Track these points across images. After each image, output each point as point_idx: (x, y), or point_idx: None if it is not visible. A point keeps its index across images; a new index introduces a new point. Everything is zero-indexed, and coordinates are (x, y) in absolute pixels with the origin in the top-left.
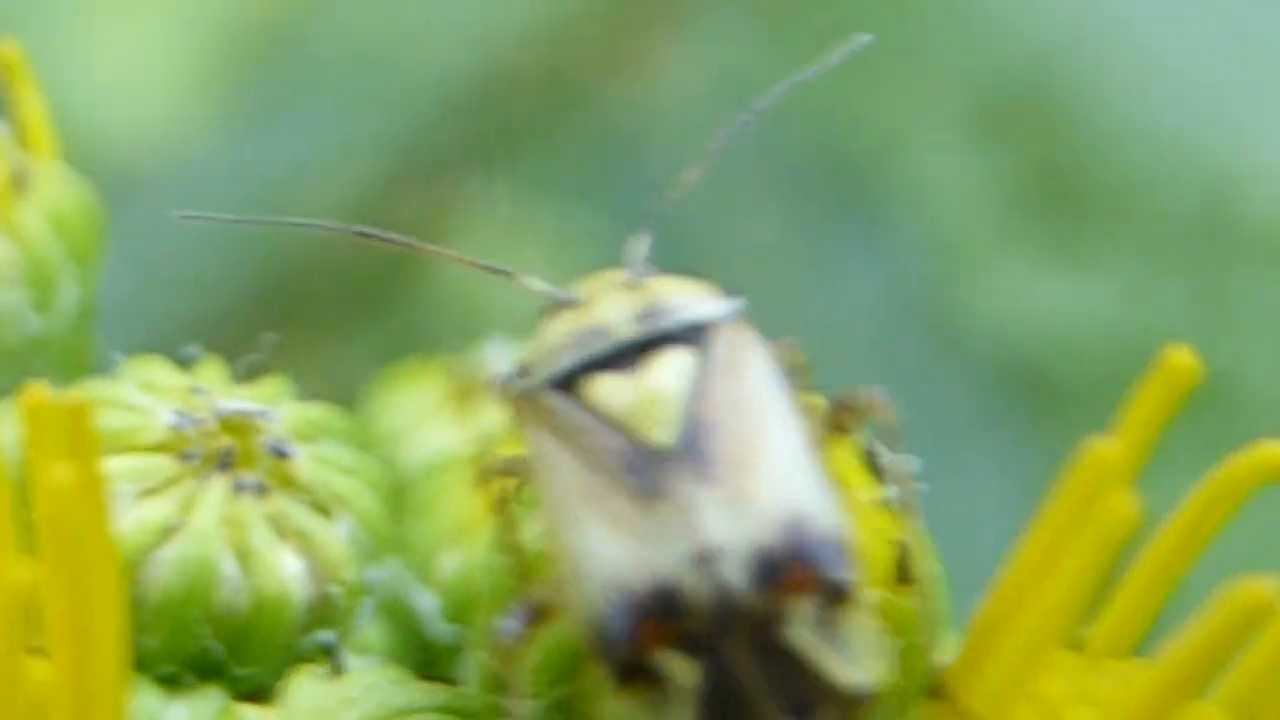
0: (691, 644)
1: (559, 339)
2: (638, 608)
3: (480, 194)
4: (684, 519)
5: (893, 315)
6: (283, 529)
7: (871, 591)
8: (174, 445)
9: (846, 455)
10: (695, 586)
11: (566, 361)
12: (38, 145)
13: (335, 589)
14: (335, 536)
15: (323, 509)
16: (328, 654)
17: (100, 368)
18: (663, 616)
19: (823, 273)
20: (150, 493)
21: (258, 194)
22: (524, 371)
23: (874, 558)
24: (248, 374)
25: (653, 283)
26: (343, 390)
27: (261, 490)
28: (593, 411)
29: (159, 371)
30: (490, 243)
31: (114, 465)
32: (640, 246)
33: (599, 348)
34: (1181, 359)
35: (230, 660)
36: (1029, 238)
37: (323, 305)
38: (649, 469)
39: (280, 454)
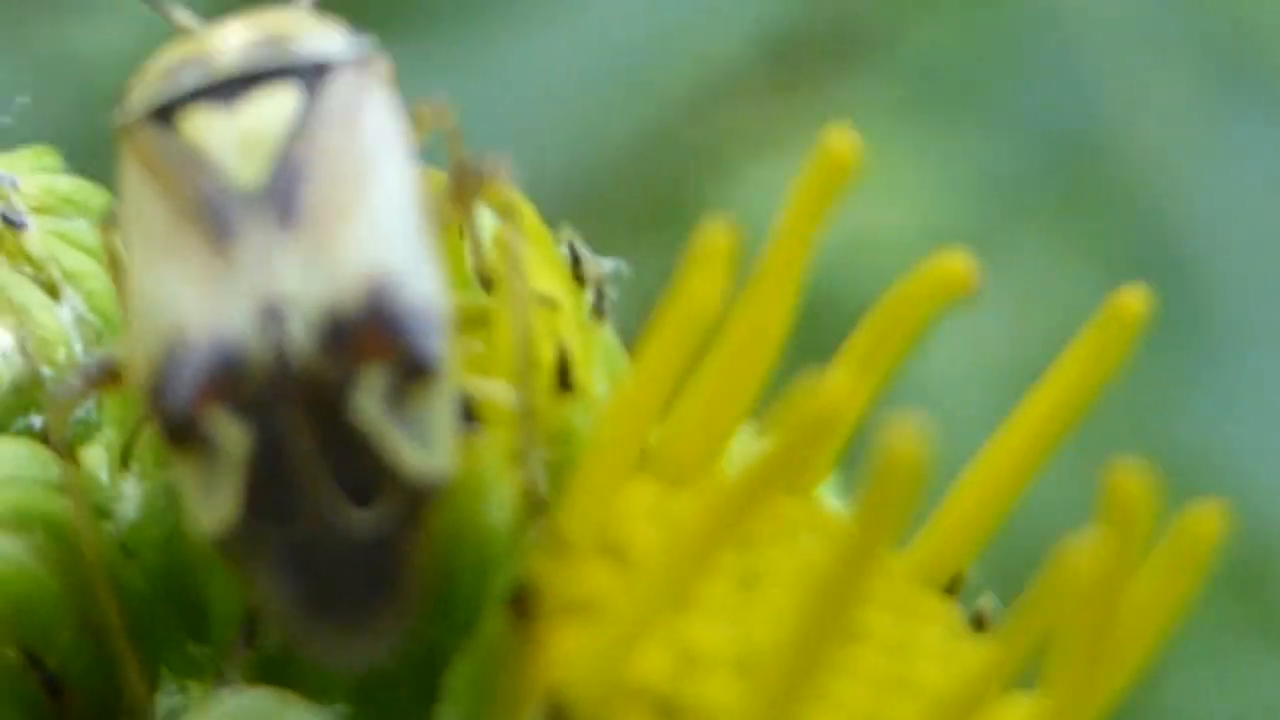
0: (248, 408)
1: (163, 68)
2: (197, 363)
3: None
4: (257, 269)
5: None
6: None
7: (511, 388)
8: None
9: (545, 252)
10: (258, 344)
11: (164, 91)
12: None
13: (47, 370)
14: (56, 315)
15: (51, 287)
16: (35, 436)
17: None
18: (221, 375)
19: None
20: None
21: None
22: (125, 103)
23: (535, 357)
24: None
25: (280, 17)
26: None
27: None
28: (188, 147)
29: None
30: None
31: None
32: None
33: (196, 77)
34: None
35: None
36: None
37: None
38: (232, 212)
39: (12, 223)
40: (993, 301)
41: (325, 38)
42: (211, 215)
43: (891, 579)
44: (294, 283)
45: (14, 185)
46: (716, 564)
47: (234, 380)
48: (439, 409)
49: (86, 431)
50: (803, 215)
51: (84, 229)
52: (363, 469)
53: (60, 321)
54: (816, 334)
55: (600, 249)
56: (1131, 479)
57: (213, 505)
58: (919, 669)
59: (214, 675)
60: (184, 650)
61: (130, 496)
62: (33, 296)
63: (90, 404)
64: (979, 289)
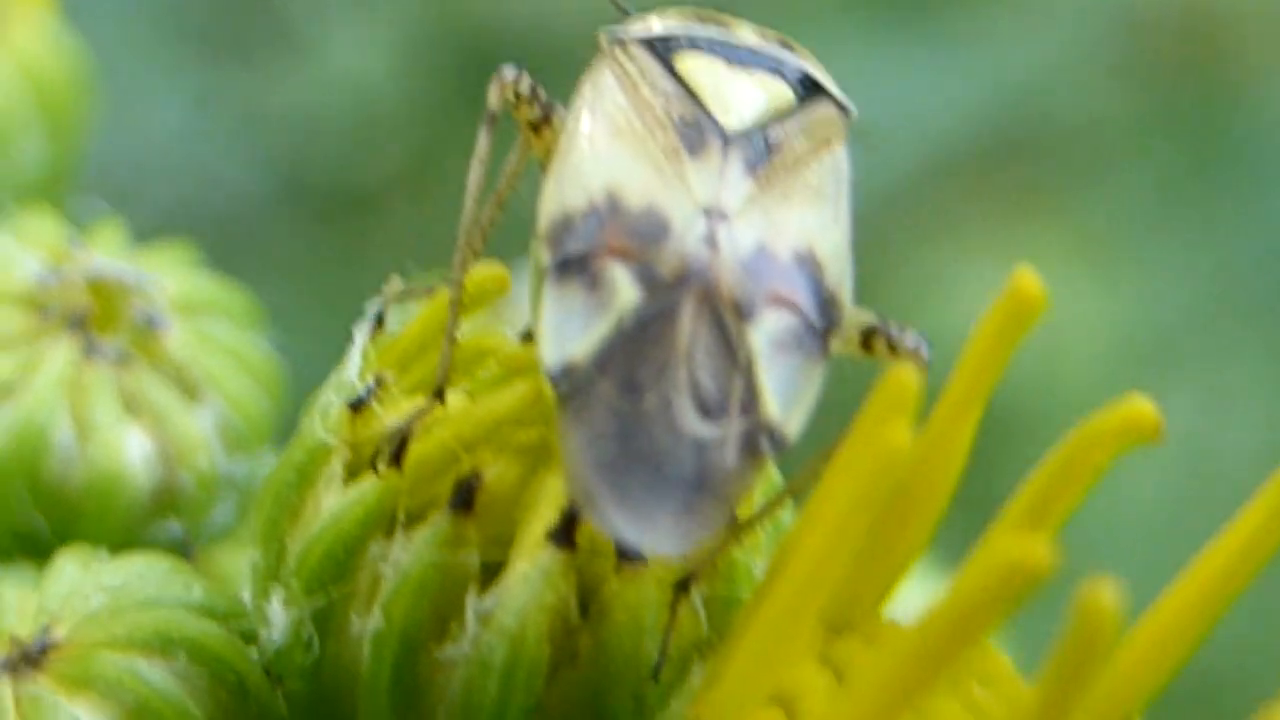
0: (651, 277)
1: (670, 22)
2: (624, 219)
3: None
4: (711, 183)
5: None
6: (136, 404)
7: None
8: (34, 300)
9: None
10: (687, 231)
11: (675, 30)
12: None
13: (184, 477)
14: (194, 420)
15: (191, 390)
16: (174, 546)
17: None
18: (641, 238)
19: None
20: None
21: None
22: (621, 29)
23: None
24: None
25: (800, 48)
26: None
27: (123, 359)
28: (680, 78)
29: (43, 222)
30: None
31: None
32: None
33: (711, 33)
34: None
35: (55, 539)
36: None
37: None
38: (707, 136)
39: (151, 324)
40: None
41: (824, 71)
42: (687, 131)
43: None
44: (739, 211)
45: (154, 284)
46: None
47: (652, 249)
48: (809, 385)
49: (224, 542)
50: (981, 361)
51: (226, 330)
52: (721, 390)
53: (200, 426)
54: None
55: None
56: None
57: (568, 340)
58: None
59: None
60: None
61: (276, 621)
62: (172, 401)
63: (229, 506)
64: (1161, 433)
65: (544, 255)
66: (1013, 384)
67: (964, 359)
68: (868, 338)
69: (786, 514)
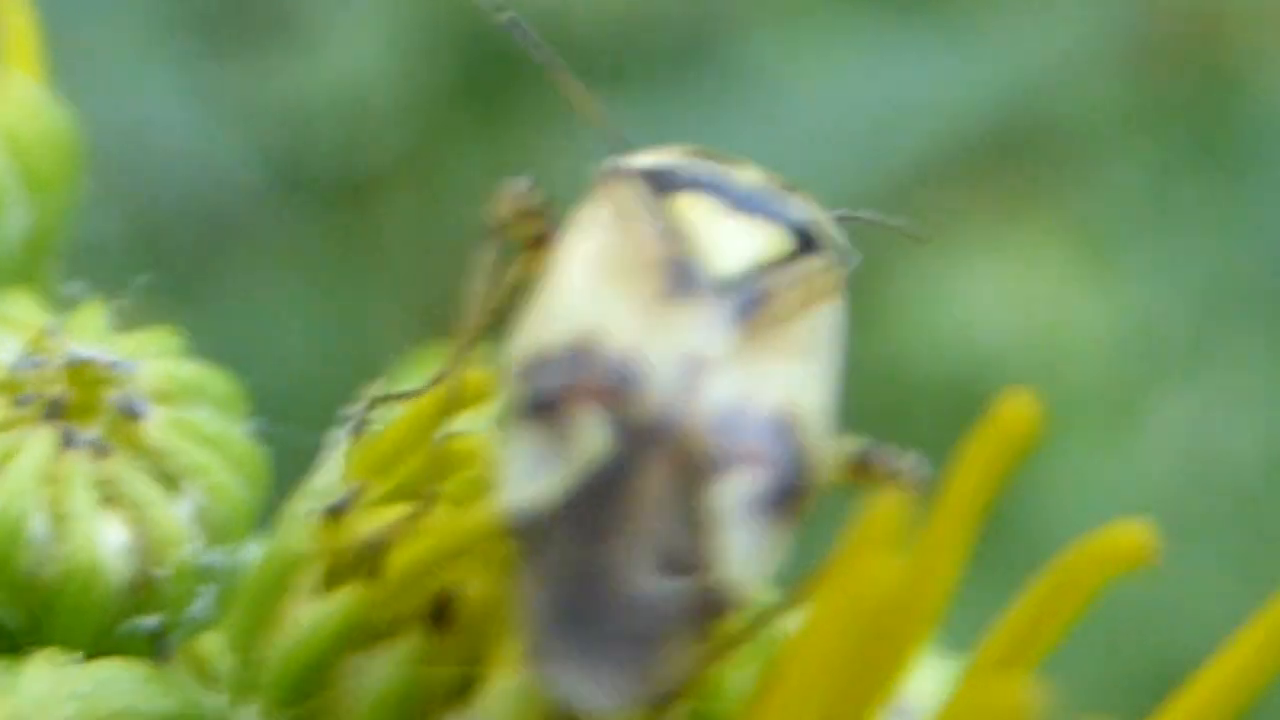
0: (623, 426)
1: (680, 152)
2: (601, 364)
3: None
4: (693, 333)
5: None
6: (114, 495)
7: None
8: (9, 387)
9: None
10: (661, 380)
11: (677, 168)
12: (15, 58)
13: (163, 570)
14: (174, 511)
15: (171, 480)
16: (149, 640)
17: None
18: (616, 386)
19: None
20: None
21: None
22: (623, 161)
23: None
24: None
25: (791, 185)
26: None
27: (100, 449)
28: (674, 219)
29: (22, 304)
30: None
31: None
32: None
33: (713, 174)
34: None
35: (28, 634)
36: None
37: None
38: (697, 283)
39: (130, 412)
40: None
41: (824, 217)
42: (677, 275)
43: None
44: (722, 363)
45: (133, 371)
46: None
47: (626, 395)
48: (775, 546)
49: (207, 632)
50: (969, 492)
51: (207, 418)
52: (683, 547)
53: (180, 517)
54: None
55: None
56: None
57: (533, 485)
58: None
59: None
60: None
61: None
62: (151, 491)
63: (210, 597)
64: (1159, 560)
65: (515, 390)
66: (1012, 383)
67: (954, 484)
68: (861, 465)
69: (773, 630)
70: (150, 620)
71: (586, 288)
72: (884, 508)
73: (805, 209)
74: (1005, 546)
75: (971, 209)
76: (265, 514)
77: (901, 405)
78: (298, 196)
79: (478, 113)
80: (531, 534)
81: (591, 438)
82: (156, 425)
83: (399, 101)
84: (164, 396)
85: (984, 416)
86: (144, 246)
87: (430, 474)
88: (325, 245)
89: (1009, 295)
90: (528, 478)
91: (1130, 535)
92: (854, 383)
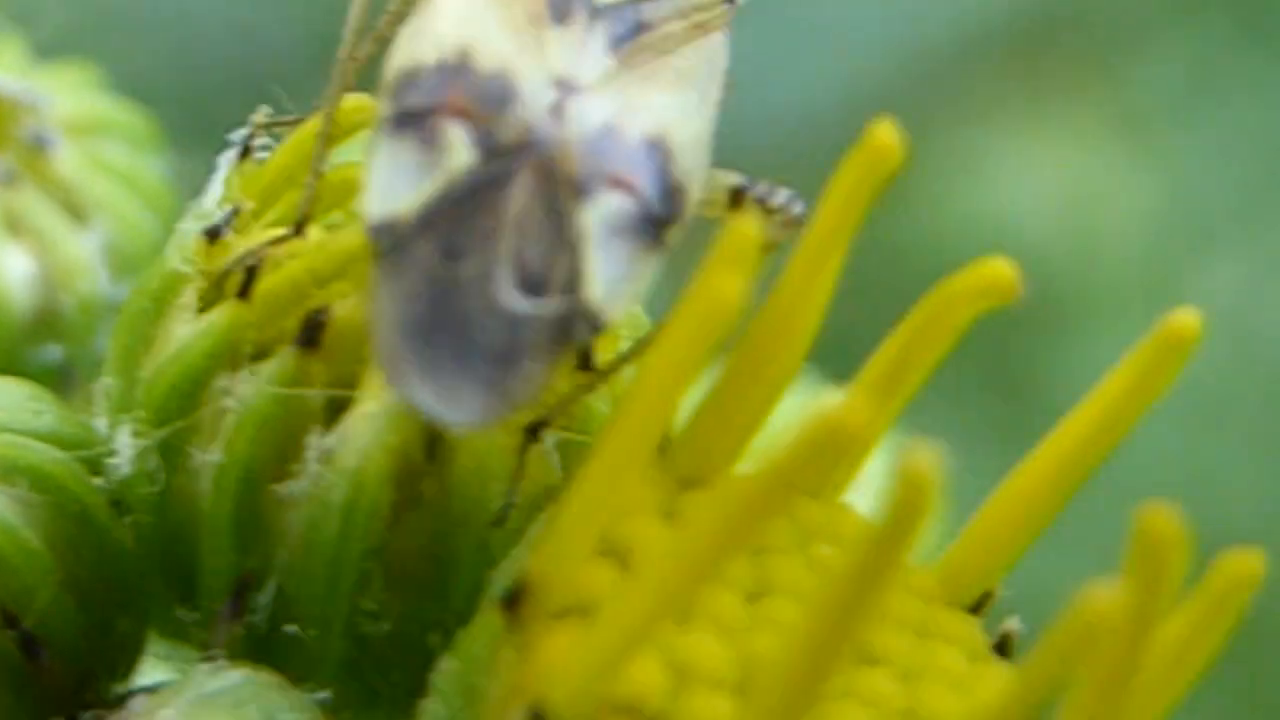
0: (488, 141)
1: None
2: (471, 79)
3: None
4: (569, 55)
5: None
6: (20, 225)
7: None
8: None
9: None
10: (534, 100)
11: None
12: None
13: (68, 299)
14: (80, 243)
15: (79, 212)
16: (53, 370)
17: None
18: (484, 100)
19: None
20: None
21: None
22: None
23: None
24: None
25: None
26: None
27: (8, 179)
28: None
29: None
30: None
31: None
32: None
33: None
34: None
35: None
36: None
37: None
38: (570, 3)
39: (40, 143)
40: None
41: None
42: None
43: (912, 595)
44: (594, 86)
45: (47, 103)
46: (721, 573)
47: (494, 113)
48: (639, 273)
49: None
50: (836, 216)
51: (121, 152)
52: (546, 267)
53: (85, 250)
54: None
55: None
56: (1162, 523)
57: (394, 196)
58: (932, 697)
59: (200, 644)
60: (172, 615)
61: (124, 451)
62: (57, 223)
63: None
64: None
65: (383, 106)
66: (1052, 263)
67: (819, 214)
68: (735, 198)
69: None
70: (54, 350)
71: (465, 8)
72: (741, 229)
73: None
74: (1045, 422)
75: (1011, 89)
76: None
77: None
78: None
79: None
80: (392, 248)
81: (457, 153)
82: (67, 158)
83: None
84: (77, 130)
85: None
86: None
87: (307, 199)
88: None
89: (1048, 175)
90: (392, 189)
91: (995, 270)
92: (887, 263)
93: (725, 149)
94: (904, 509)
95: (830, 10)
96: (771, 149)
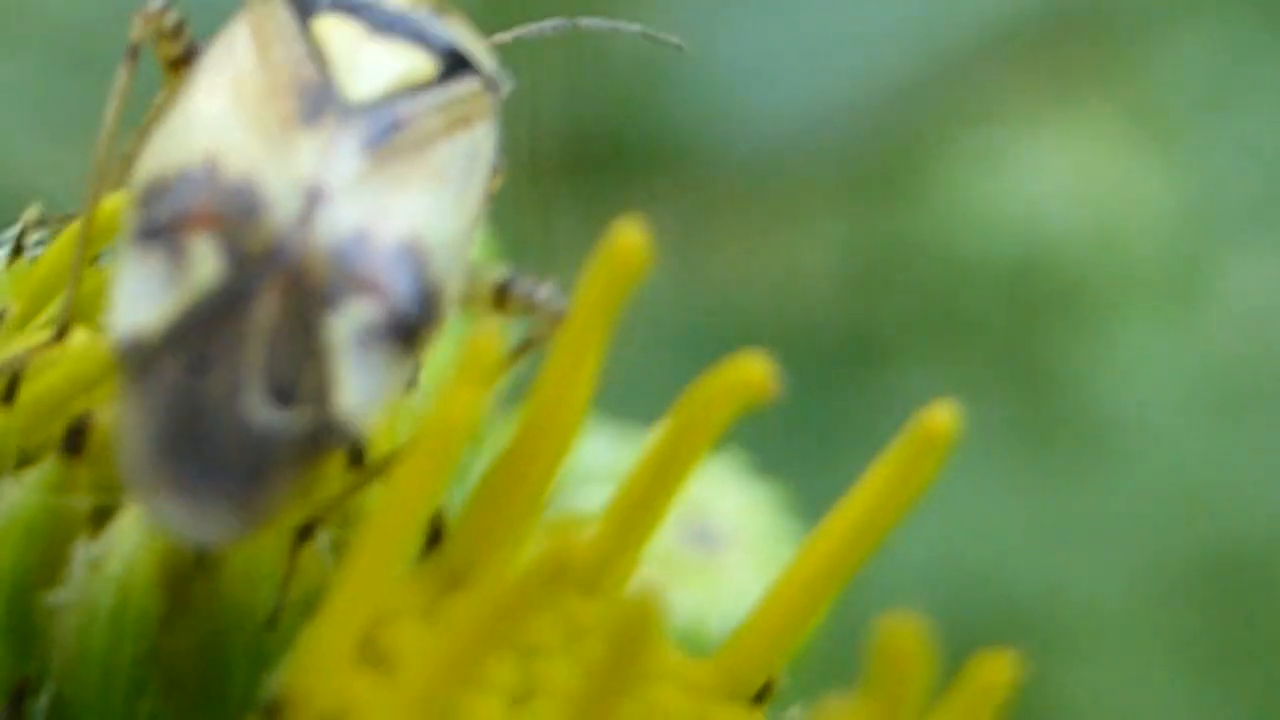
0: (235, 255)
1: None
2: (218, 189)
3: None
4: (320, 161)
5: None
6: None
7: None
8: None
9: None
10: (278, 208)
11: None
12: None
13: None
14: None
15: None
16: None
17: None
18: (233, 212)
19: None
20: None
21: None
22: None
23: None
24: None
25: (446, 6)
26: None
27: None
28: (313, 42)
29: None
30: None
31: None
32: None
33: None
34: None
35: None
36: None
37: None
38: (326, 107)
39: None
40: None
41: (476, 41)
42: (307, 100)
43: (691, 690)
44: (345, 192)
45: None
46: (484, 676)
47: (242, 223)
48: (391, 379)
49: None
50: (594, 308)
51: None
52: (294, 376)
53: None
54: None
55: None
56: (906, 635)
57: (141, 310)
58: None
59: None
60: None
61: None
62: None
63: None
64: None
65: (129, 217)
66: (1073, 258)
67: (565, 333)
68: (501, 295)
69: None
70: None
71: (214, 112)
72: (482, 341)
73: (455, 32)
74: (1066, 420)
75: (1033, 86)
76: None
77: (954, 284)
78: None
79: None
80: (140, 363)
81: (204, 265)
82: None
83: None
84: None
85: None
86: None
87: (67, 305)
88: None
89: (1068, 170)
90: (137, 305)
91: (747, 367)
92: (909, 259)
93: (750, 148)
94: (635, 620)
95: (852, 6)
96: (794, 144)
